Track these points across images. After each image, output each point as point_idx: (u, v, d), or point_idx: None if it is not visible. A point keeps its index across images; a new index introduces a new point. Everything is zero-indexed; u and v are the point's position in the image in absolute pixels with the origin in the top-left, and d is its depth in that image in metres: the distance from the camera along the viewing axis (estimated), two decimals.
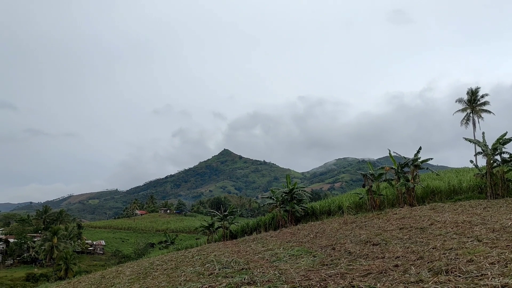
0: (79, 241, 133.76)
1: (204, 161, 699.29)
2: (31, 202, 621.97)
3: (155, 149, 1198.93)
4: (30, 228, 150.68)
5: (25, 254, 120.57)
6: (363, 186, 32.24)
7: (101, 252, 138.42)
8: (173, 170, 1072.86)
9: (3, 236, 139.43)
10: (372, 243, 12.89)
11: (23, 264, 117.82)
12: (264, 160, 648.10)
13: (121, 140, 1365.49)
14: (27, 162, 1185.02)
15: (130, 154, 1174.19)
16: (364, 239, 14.06)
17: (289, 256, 12.78)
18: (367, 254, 10.87)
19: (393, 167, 30.87)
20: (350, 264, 9.46)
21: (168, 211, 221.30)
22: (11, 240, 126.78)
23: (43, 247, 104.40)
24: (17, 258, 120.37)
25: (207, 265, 13.53)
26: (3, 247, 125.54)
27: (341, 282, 7.37)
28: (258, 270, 10.31)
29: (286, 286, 7.48)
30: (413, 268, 8.27)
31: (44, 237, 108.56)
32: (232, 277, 9.84)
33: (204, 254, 18.47)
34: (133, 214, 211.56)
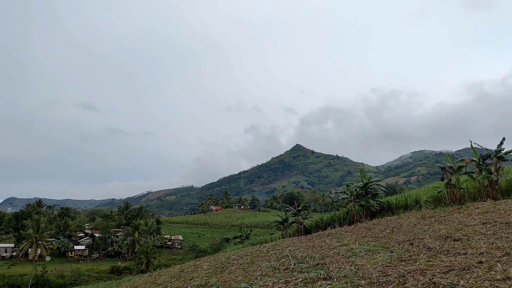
0: (158, 236, 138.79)
1: (277, 156, 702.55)
2: (113, 199, 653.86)
3: (228, 146, 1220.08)
4: (113, 223, 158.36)
5: (109, 248, 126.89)
6: (442, 179, 30.98)
7: (179, 246, 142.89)
8: (246, 166, 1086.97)
9: (89, 231, 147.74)
10: (453, 238, 12.37)
11: (107, 258, 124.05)
12: (336, 155, 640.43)
13: (196, 138, 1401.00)
14: (109, 161, 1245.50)
15: (204, 151, 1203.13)
16: (444, 234, 13.52)
17: (365, 251, 12.55)
18: (448, 250, 10.44)
19: (474, 159, 29.35)
20: (430, 260, 9.13)
21: (242, 207, 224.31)
22: (97, 235, 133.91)
23: (125, 242, 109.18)
24: (102, 252, 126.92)
25: (282, 260, 13.58)
26: (89, 242, 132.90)
27: (421, 278, 7.13)
28: (334, 265, 10.21)
29: (363, 282, 7.34)
30: (499, 265, 7.84)
31: (126, 232, 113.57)
32: (307, 272, 9.81)
33: (279, 249, 18.54)
34: (208, 209, 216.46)
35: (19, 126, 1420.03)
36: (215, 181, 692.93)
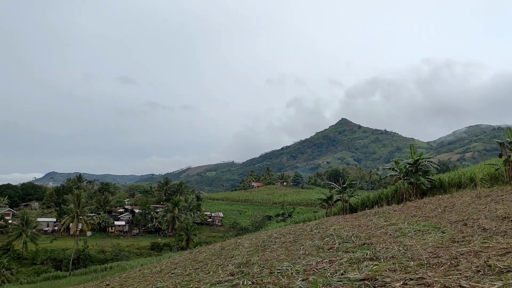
0: (198, 212, 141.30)
1: (321, 131, 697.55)
2: (152, 174, 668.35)
3: (269, 120, 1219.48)
4: (152, 199, 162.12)
5: (149, 224, 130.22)
6: (500, 156, 30.06)
7: (219, 224, 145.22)
8: (288, 141, 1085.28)
9: (129, 207, 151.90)
10: (511, 219, 12.04)
11: (147, 234, 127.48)
12: (385, 129, 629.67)
13: (236, 112, 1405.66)
14: (147, 135, 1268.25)
15: (245, 125, 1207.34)
16: (501, 214, 13.15)
17: (414, 231, 12.38)
18: (505, 231, 10.16)
19: None
20: (485, 242, 8.90)
21: (284, 183, 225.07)
22: (136, 211, 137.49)
23: (165, 218, 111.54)
24: (142, 228, 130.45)
25: (326, 239, 13.58)
26: (129, 217, 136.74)
27: (475, 261, 6.97)
28: (381, 246, 10.13)
29: (412, 263, 7.24)
30: None
31: (166, 208, 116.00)
32: (353, 252, 9.77)
33: (323, 228, 18.55)
34: (249, 186, 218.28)
35: (59, 100, 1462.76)
36: (257, 156, 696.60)
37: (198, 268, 12.96)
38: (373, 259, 8.19)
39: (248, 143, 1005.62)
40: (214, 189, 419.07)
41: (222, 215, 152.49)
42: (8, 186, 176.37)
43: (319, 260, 8.86)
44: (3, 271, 75.66)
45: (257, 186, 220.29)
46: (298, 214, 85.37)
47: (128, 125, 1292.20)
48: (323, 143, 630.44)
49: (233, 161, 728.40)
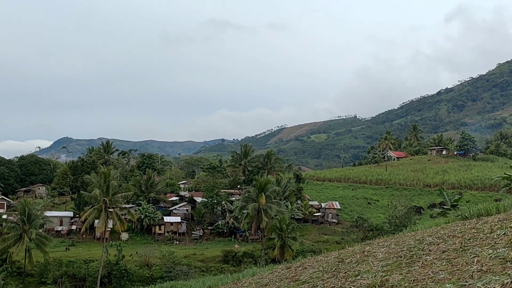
0: (299, 202, 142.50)
1: (506, 62, 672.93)
2: (222, 140, 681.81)
3: (415, 45, 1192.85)
4: (224, 180, 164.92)
5: (219, 222, 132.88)
6: None
7: (333, 220, 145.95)
8: (449, 80, 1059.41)
9: (186, 193, 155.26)
10: None
11: (217, 237, 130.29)
12: None
13: (357, 32, 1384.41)
14: (212, 76, 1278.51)
15: (374, 56, 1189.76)
16: None
17: None
18: None
19: None
20: None
21: (444, 152, 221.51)
22: (198, 200, 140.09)
23: (245, 211, 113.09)
24: (209, 228, 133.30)
25: None
26: (187, 210, 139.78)
27: None
28: None
29: None
30: None
31: (246, 195, 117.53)
32: None
33: (511, 227, 18.22)
34: (383, 157, 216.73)
35: (73, 14, 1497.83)
36: (395, 108, 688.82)
37: None
38: None
39: (379, 85, 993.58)
40: (324, 162, 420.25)
41: (339, 206, 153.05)
42: None
43: (506, 281, 8.76)
44: None
45: (397, 157, 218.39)
46: (468, 203, 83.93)
47: (180, 59, 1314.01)
48: (511, 83, 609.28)
49: (355, 116, 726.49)
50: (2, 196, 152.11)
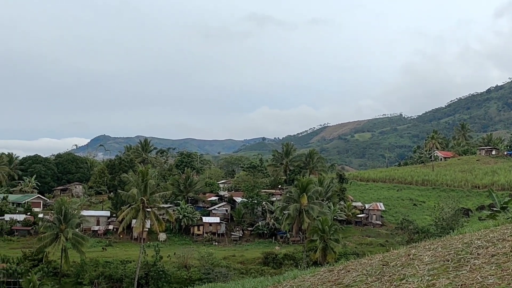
0: (342, 203, 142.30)
1: None
2: (263, 139, 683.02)
3: (464, 41, 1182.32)
4: (264, 180, 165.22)
5: (259, 223, 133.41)
6: None
7: (378, 222, 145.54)
8: (500, 77, 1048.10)
9: (225, 193, 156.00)
10: None
11: (257, 238, 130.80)
12: None
13: (403, 27, 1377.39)
14: (251, 72, 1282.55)
15: (420, 52, 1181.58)
16: None
17: None
18: None
19: None
20: None
21: (493, 152, 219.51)
22: (238, 200, 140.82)
23: (286, 212, 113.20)
24: (248, 229, 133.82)
25: None
26: (226, 210, 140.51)
27: None
28: None
29: None
30: None
31: (287, 195, 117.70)
32: None
33: None
34: (430, 157, 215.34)
35: (111, 10, 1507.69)
36: (442, 106, 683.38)
37: None
38: None
39: (426, 82, 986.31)
40: (368, 162, 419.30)
41: (383, 208, 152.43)
42: (36, 160, 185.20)
43: None
44: None
45: (444, 157, 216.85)
46: None
47: (220, 56, 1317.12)
48: None
49: (400, 114, 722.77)
50: (39, 195, 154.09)
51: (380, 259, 22.53)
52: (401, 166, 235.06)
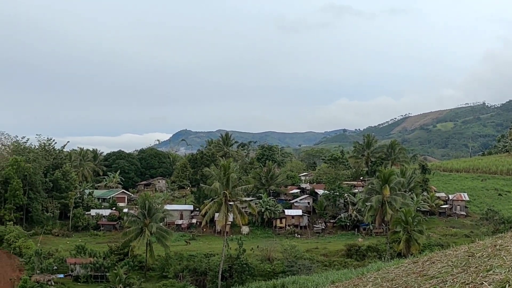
0: (424, 193, 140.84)
1: None
2: (344, 130, 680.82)
3: None
4: (346, 172, 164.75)
5: (341, 215, 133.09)
6: None
7: (462, 212, 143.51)
8: None
9: (307, 185, 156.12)
10: None
11: (340, 230, 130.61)
12: None
13: (482, 15, 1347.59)
14: (330, 64, 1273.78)
15: (503, 39, 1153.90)
16: None
17: None
18: None
19: None
20: None
21: None
22: (320, 192, 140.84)
23: (368, 203, 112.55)
24: (331, 221, 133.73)
25: None
26: (308, 203, 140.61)
27: None
28: None
29: None
30: None
31: (369, 186, 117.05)
32: None
33: None
34: None
35: (189, 5, 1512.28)
36: None
37: None
38: None
39: (509, 70, 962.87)
40: (451, 152, 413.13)
41: (467, 198, 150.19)
42: (120, 155, 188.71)
43: None
44: (120, 287, 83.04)
45: None
46: None
47: (297, 47, 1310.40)
48: None
49: (483, 103, 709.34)
50: (123, 190, 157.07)
51: (466, 250, 22.32)
52: (485, 156, 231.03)
